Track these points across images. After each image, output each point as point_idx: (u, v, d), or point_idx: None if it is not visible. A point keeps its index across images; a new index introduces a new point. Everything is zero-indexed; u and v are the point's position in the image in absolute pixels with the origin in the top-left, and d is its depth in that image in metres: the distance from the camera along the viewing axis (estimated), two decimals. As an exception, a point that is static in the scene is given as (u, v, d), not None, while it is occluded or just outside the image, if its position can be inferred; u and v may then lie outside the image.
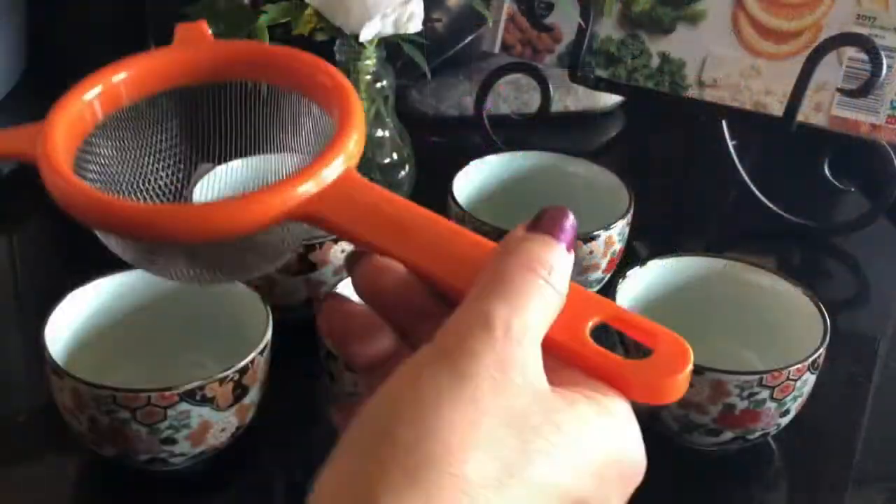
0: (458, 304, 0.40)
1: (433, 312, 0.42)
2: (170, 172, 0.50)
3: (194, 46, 0.49)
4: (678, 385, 0.39)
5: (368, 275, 0.43)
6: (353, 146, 0.43)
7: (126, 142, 0.49)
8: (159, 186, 0.49)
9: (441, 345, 0.38)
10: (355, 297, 0.44)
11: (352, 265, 0.43)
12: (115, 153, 0.48)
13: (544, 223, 0.41)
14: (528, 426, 0.36)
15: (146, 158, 0.49)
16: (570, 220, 0.41)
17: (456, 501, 0.34)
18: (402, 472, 0.34)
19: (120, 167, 0.48)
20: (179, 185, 0.50)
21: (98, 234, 0.46)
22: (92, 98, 0.47)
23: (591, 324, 0.40)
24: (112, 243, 0.46)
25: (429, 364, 0.37)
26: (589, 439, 0.37)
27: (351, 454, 0.36)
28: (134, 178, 0.49)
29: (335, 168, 0.43)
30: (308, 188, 0.42)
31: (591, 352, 0.39)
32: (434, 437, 0.35)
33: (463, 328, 0.38)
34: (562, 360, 0.40)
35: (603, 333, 0.41)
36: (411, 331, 0.43)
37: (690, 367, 0.39)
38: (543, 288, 0.39)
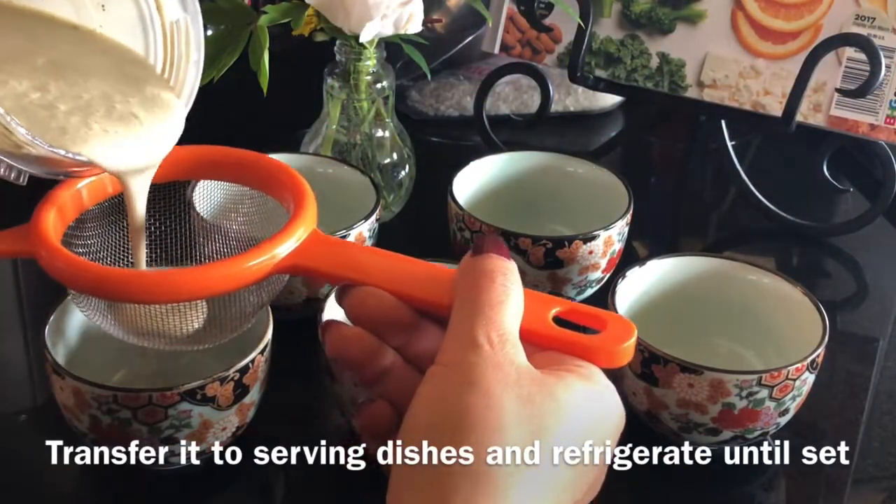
0: (432, 312, 0.51)
1: (415, 324, 0.52)
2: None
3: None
4: (628, 350, 0.50)
5: (356, 302, 0.52)
6: (312, 215, 0.56)
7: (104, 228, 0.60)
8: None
9: (446, 361, 0.47)
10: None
11: (341, 298, 0.53)
12: (97, 240, 0.60)
13: (485, 246, 0.51)
14: (534, 402, 0.46)
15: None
16: (502, 240, 0.52)
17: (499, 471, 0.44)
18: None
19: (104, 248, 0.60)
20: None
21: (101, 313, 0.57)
22: (77, 189, 0.58)
23: (551, 314, 0.51)
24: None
25: (444, 378, 0.47)
26: (581, 399, 0.47)
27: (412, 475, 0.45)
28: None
29: (305, 230, 0.55)
30: (288, 246, 0.54)
31: (559, 333, 0.50)
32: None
33: (457, 348, 0.47)
34: (536, 344, 0.50)
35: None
36: (402, 344, 0.52)
37: (635, 335, 0.50)
38: (504, 288, 0.49)
